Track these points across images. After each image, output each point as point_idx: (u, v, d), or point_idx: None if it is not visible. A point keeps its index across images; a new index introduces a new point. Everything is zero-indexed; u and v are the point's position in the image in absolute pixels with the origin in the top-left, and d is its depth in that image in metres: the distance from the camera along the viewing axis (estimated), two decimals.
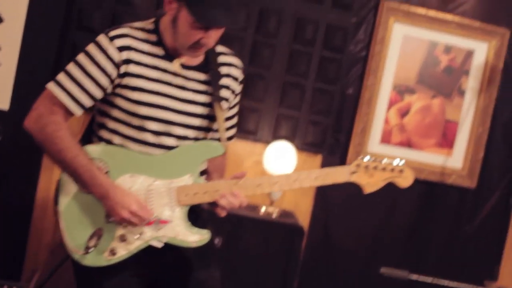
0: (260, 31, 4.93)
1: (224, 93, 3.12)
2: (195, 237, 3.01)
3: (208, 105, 3.07)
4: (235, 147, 4.99)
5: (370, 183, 3.12)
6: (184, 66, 3.03)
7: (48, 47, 4.49)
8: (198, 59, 3.06)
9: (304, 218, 5.14)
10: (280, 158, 4.78)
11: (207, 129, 3.12)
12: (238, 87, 3.22)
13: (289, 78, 4.99)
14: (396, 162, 3.13)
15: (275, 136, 5.01)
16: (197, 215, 3.12)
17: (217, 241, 4.58)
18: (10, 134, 4.40)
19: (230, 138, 3.34)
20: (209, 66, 3.07)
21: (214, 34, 2.91)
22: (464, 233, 5.31)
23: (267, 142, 4.97)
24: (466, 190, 5.38)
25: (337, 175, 3.10)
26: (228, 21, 2.87)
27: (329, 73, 5.04)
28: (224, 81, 3.13)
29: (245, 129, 4.97)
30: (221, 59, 3.14)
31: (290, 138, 5.00)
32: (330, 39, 5.01)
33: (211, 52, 3.09)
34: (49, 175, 4.69)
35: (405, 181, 3.15)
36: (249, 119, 4.97)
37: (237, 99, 3.27)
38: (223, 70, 3.13)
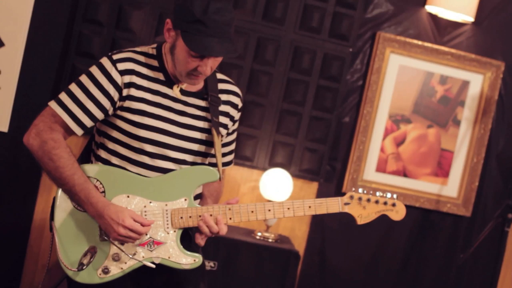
0: (258, 59, 4.96)
1: (222, 119, 3.15)
2: (188, 259, 3.02)
3: (206, 130, 3.10)
4: (232, 173, 5.00)
5: (363, 215, 3.15)
6: (184, 92, 3.06)
7: (48, 71, 4.50)
8: (198, 86, 3.09)
9: (299, 244, 5.15)
10: (276, 184, 4.78)
11: (204, 154, 3.14)
12: (236, 114, 3.24)
13: (286, 105, 5.01)
14: (389, 195, 3.16)
15: (272, 163, 5.02)
16: (191, 238, 3.12)
17: (213, 265, 4.58)
18: (9, 155, 4.40)
19: (227, 164, 3.36)
20: (209, 92, 3.09)
21: (211, 63, 2.93)
22: (459, 261, 5.30)
23: (264, 169, 4.99)
24: (461, 218, 5.40)
25: (330, 205, 3.12)
26: (223, 50, 2.89)
27: (326, 101, 5.06)
28: (223, 107, 3.16)
29: (242, 155, 4.99)
30: (221, 86, 3.17)
31: (286, 165, 5.02)
32: (327, 68, 5.04)
33: (211, 79, 3.12)
34: (47, 197, 4.70)
35: (397, 214, 3.18)
36: (246, 145, 4.98)
37: (235, 125, 3.29)
38: (223, 97, 3.16)
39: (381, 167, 5.21)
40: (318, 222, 5.20)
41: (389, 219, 5.10)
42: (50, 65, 4.52)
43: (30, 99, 4.45)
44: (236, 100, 3.22)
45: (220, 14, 2.84)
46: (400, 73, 5.16)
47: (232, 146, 3.35)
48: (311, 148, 5.07)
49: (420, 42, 5.15)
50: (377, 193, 3.16)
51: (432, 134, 5.26)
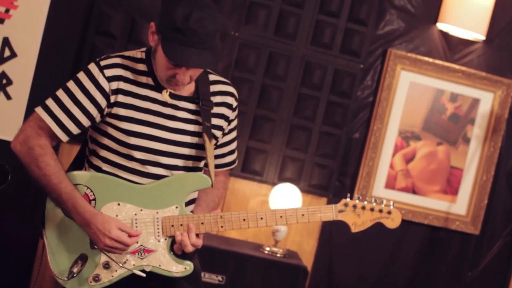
0: (269, 74, 4.90)
1: (216, 121, 3.06)
2: (179, 267, 2.95)
3: (198, 134, 3.00)
4: (241, 187, 4.95)
5: (357, 223, 3.04)
6: (175, 96, 2.96)
7: (59, 83, 4.40)
8: (189, 89, 2.99)
9: (308, 258, 5.08)
10: (286, 199, 4.71)
11: (197, 158, 3.05)
12: (232, 114, 3.13)
13: (296, 121, 4.95)
14: (384, 202, 3.06)
15: (281, 178, 4.95)
16: None
17: (221, 279, 4.52)
18: (19, 165, 4.36)
19: (230, 164, 3.27)
20: (200, 95, 3.00)
21: (190, 72, 2.84)
22: (467, 279, 5.22)
23: (273, 183, 4.92)
24: (470, 236, 5.32)
25: (324, 213, 3.02)
26: (200, 62, 2.78)
27: (336, 117, 5.00)
28: (217, 109, 3.06)
29: (251, 169, 4.92)
30: (214, 88, 3.07)
31: (295, 180, 4.95)
32: (338, 84, 4.98)
33: (203, 82, 3.03)
34: None
35: (392, 222, 3.07)
36: (256, 160, 4.92)
37: (232, 125, 3.17)
38: (216, 99, 3.06)
39: (390, 184, 5.14)
40: (327, 238, 5.14)
41: (397, 235, 5.13)
42: (62, 76, 4.45)
43: None
44: (230, 100, 3.11)
45: (202, 24, 2.73)
46: (410, 90, 5.10)
47: (232, 146, 3.24)
48: (320, 163, 5.00)
49: (431, 60, 5.09)
50: (373, 200, 3.05)
51: (441, 152, 5.19)
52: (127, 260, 2.92)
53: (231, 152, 3.25)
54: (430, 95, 5.13)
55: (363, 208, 3.03)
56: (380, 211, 3.04)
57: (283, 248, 4.80)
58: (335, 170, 5.04)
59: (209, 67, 2.84)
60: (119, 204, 2.92)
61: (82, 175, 2.95)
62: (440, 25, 5.07)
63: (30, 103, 4.39)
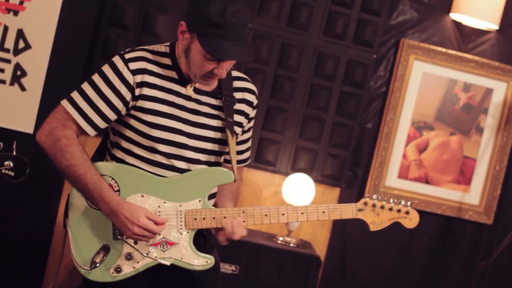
0: (282, 64, 4.86)
1: (237, 118, 3.06)
2: (200, 261, 2.95)
3: (220, 129, 3.01)
4: (254, 177, 4.92)
5: (376, 222, 3.08)
6: (198, 91, 2.96)
7: (73, 74, 4.46)
8: (212, 84, 2.99)
9: (321, 249, 5.05)
10: (299, 190, 4.69)
11: (219, 153, 3.05)
12: (252, 112, 3.14)
13: (309, 111, 4.91)
14: (403, 203, 3.09)
15: (294, 168, 4.92)
16: (205, 239, 3.05)
17: (234, 268, 4.50)
18: (34, 156, 4.36)
19: (244, 161, 3.28)
20: (223, 91, 3.00)
21: (227, 65, 2.86)
22: (480, 269, 5.18)
23: (286, 174, 4.89)
24: (483, 226, 5.28)
25: (344, 211, 3.05)
26: (240, 54, 2.81)
27: (349, 107, 4.96)
28: (238, 106, 3.06)
29: (264, 160, 4.89)
30: (236, 84, 3.07)
31: (308, 170, 4.92)
32: (351, 74, 4.94)
33: (226, 77, 3.01)
34: None
35: (410, 222, 3.11)
36: (269, 150, 4.89)
37: (251, 123, 3.19)
38: (237, 95, 3.06)
39: (403, 174, 5.11)
40: (339, 228, 5.11)
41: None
42: (75, 68, 4.48)
43: (55, 102, 4.32)
44: (251, 98, 3.11)
45: (237, 17, 2.75)
46: (423, 80, 5.05)
47: (249, 143, 3.26)
48: (333, 153, 4.97)
49: (444, 50, 5.04)
50: (391, 200, 3.09)
51: (454, 142, 5.15)
52: (149, 252, 2.92)
53: (247, 150, 3.27)
54: (443, 85, 5.09)
55: (382, 207, 3.06)
56: (399, 211, 3.08)
57: (296, 238, 4.78)
58: (348, 160, 5.00)
59: (250, 58, 2.85)
60: (143, 196, 2.92)
61: (106, 166, 2.95)
62: (453, 15, 5.02)
63: (44, 95, 4.41)
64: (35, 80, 4.37)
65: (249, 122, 3.15)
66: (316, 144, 4.95)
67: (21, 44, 4.33)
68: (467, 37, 5.12)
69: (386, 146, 5.05)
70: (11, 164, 2.86)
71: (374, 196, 3.08)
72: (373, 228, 3.09)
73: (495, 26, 5.00)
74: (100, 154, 3.09)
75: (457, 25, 5.09)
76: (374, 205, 3.06)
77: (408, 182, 5.11)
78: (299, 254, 4.66)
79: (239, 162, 3.20)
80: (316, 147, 4.96)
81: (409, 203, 3.09)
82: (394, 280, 5.25)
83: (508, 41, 5.17)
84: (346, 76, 4.94)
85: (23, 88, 4.37)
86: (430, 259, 5.26)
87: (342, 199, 5.03)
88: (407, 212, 3.08)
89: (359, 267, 5.19)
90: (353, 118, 4.97)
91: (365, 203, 3.06)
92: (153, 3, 4.65)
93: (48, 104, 4.40)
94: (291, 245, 4.71)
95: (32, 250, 4.61)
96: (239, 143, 3.16)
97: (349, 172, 5.05)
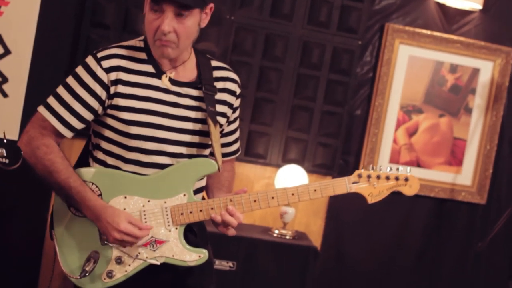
0: (267, 56, 4.71)
1: (220, 108, 2.92)
2: (193, 256, 2.82)
3: (202, 121, 2.86)
4: (245, 171, 4.78)
5: (373, 193, 2.84)
6: (176, 82, 2.83)
7: (56, 78, 4.29)
8: (191, 75, 2.86)
9: (316, 239, 4.94)
10: (292, 181, 4.54)
11: (202, 145, 2.90)
12: (235, 102, 2.99)
13: (297, 101, 4.77)
14: (401, 169, 2.86)
15: (285, 159, 4.78)
16: (196, 233, 2.91)
17: (232, 265, 4.38)
18: (20, 164, 4.22)
19: (234, 153, 3.15)
20: (203, 81, 2.86)
21: (174, 24, 2.68)
22: (476, 250, 5.07)
23: (277, 166, 4.76)
24: (476, 206, 5.18)
25: (337, 186, 2.83)
26: None
27: (337, 95, 4.82)
28: (220, 95, 2.92)
29: (255, 153, 4.75)
30: (216, 74, 2.93)
31: (299, 161, 4.78)
32: (337, 62, 4.80)
33: (205, 67, 2.89)
34: None
35: (410, 189, 2.85)
36: (258, 143, 4.74)
37: (236, 113, 3.04)
38: (219, 84, 2.92)
39: (394, 159, 4.98)
40: (333, 216, 4.99)
41: (404, 209, 4.98)
42: (58, 71, 4.35)
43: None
44: (233, 87, 2.97)
45: None
46: (410, 64, 4.92)
47: (236, 134, 3.12)
48: (324, 142, 4.83)
49: (429, 32, 4.90)
50: (388, 169, 2.85)
51: (444, 123, 5.02)
52: (139, 253, 2.80)
53: (236, 141, 3.13)
54: (430, 67, 4.95)
55: (378, 177, 2.84)
56: (397, 178, 2.85)
57: (292, 230, 4.66)
58: (339, 148, 4.87)
59: (189, 2, 2.67)
60: (125, 197, 2.80)
61: (86, 172, 2.83)
62: None
63: (27, 100, 4.26)
64: (17, 85, 4.22)
65: (233, 112, 3.01)
66: (306, 134, 4.81)
67: (1, 50, 4.18)
68: (451, 18, 4.99)
69: (376, 132, 4.92)
70: (4, 152, 2.71)
71: (369, 167, 2.86)
72: (371, 200, 2.84)
73: (478, 6, 4.87)
74: (83, 159, 2.96)
75: (441, 6, 4.97)
76: (369, 176, 2.83)
77: (400, 167, 4.97)
78: (296, 246, 4.54)
79: (228, 154, 3.09)
80: (306, 137, 4.81)
81: (408, 169, 2.87)
82: (391, 265, 5.14)
83: (492, 20, 5.05)
84: (332, 64, 4.80)
85: (5, 95, 4.21)
86: (426, 242, 5.16)
87: None
88: (406, 179, 2.84)
89: (355, 254, 5.08)
90: (342, 106, 4.83)
91: (359, 175, 2.83)
92: (134, 2, 4.48)
93: (31, 110, 4.21)
94: (287, 237, 4.58)
95: (24, 256, 4.47)
96: (226, 134, 3.04)
97: (341, 160, 4.91)
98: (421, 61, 4.94)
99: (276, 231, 4.61)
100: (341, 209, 4.96)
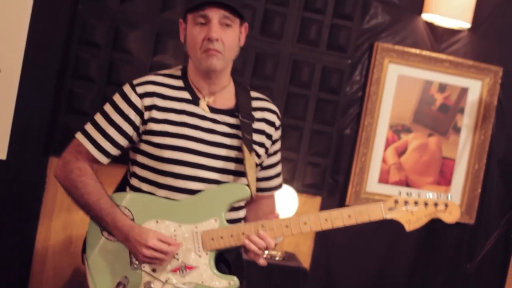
0: (257, 74, 4.68)
1: (257, 137, 2.90)
2: (223, 283, 2.77)
3: (238, 148, 2.84)
4: None
5: (411, 220, 2.76)
6: (214, 110, 2.84)
7: (45, 96, 4.29)
8: (229, 103, 2.87)
9: (305, 259, 4.87)
10: (282, 200, 4.48)
11: (238, 173, 2.87)
12: (275, 133, 2.99)
13: (286, 120, 4.72)
14: (442, 196, 2.78)
15: None
16: (227, 260, 2.89)
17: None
18: (9, 183, 4.15)
19: (274, 188, 3.12)
20: (240, 109, 2.86)
21: (222, 33, 2.74)
22: (466, 271, 5.04)
23: None
24: (465, 226, 5.13)
25: (372, 212, 2.76)
26: None
27: (326, 114, 4.78)
28: (257, 125, 2.91)
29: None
30: (255, 104, 2.94)
31: (289, 180, 4.72)
32: (326, 81, 4.76)
33: (244, 97, 2.91)
34: (48, 225, 4.40)
35: (450, 216, 2.78)
36: None
37: (276, 146, 3.03)
38: (257, 114, 2.92)
39: (383, 178, 4.94)
40: (322, 237, 4.93)
41: (393, 230, 4.93)
42: (47, 89, 4.30)
43: (28, 125, 4.23)
44: (272, 117, 2.97)
45: None
46: (399, 83, 4.90)
47: (278, 168, 3.10)
48: (313, 162, 4.79)
49: (418, 51, 4.89)
50: (427, 194, 2.77)
51: (433, 143, 5.00)
52: (168, 278, 2.78)
53: (277, 175, 3.11)
54: (419, 86, 4.94)
55: (416, 203, 2.77)
56: (436, 204, 2.77)
57: (281, 251, 4.61)
58: (328, 168, 4.82)
59: (235, 4, 2.75)
60: (157, 222, 2.79)
61: (119, 196, 2.86)
62: (425, 16, 4.87)
63: (16, 118, 4.20)
64: (6, 104, 4.17)
65: (273, 144, 3.00)
66: (295, 154, 4.77)
67: None
68: (440, 37, 4.98)
69: (365, 152, 4.89)
70: None
71: (405, 193, 2.77)
72: (409, 228, 2.77)
73: (467, 25, 4.87)
74: (121, 189, 2.99)
75: (429, 25, 4.95)
76: (406, 202, 2.75)
77: (389, 187, 4.95)
78: (285, 267, 4.47)
79: (269, 189, 3.08)
80: (296, 157, 4.77)
81: (448, 195, 2.78)
82: (380, 285, 5.09)
83: (480, 39, 5.04)
84: (322, 83, 4.76)
85: None
86: (415, 262, 5.11)
87: (323, 207, 4.83)
88: (445, 205, 2.77)
89: (344, 275, 5.02)
90: (331, 125, 4.79)
91: (396, 201, 2.75)
92: (124, 20, 4.42)
93: (20, 128, 4.20)
94: (277, 258, 4.53)
95: (11, 281, 4.38)
96: (266, 167, 3.03)
97: (330, 180, 4.87)
98: (410, 80, 4.92)
99: (266, 252, 4.56)
100: (331, 229, 4.90)
